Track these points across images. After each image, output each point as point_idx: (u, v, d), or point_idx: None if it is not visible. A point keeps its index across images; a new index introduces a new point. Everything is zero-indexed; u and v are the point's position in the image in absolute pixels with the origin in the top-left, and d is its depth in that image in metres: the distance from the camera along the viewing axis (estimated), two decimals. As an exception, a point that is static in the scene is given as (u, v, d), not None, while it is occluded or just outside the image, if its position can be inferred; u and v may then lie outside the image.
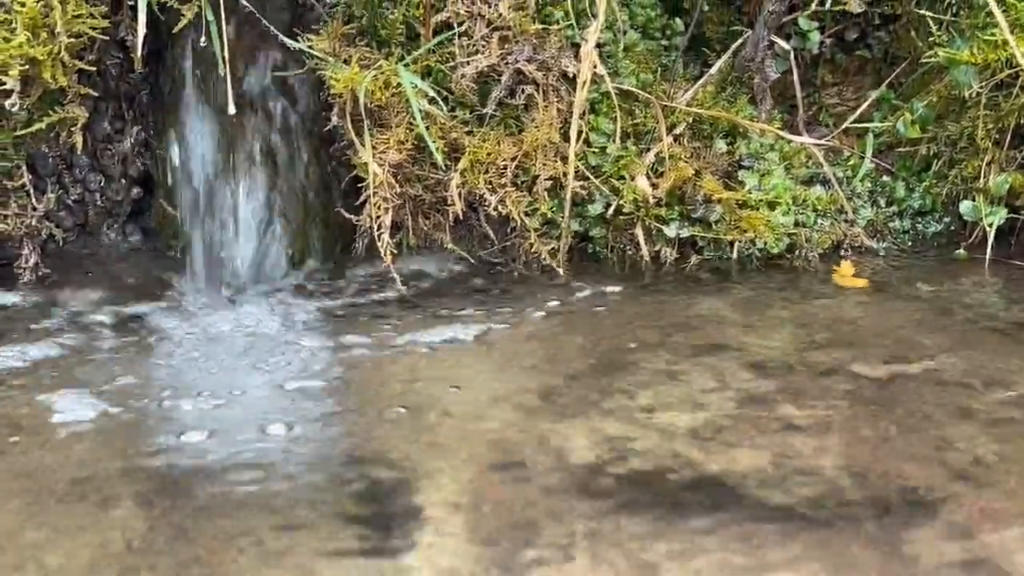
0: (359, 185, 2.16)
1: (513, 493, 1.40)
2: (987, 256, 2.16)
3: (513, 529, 1.32)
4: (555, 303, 2.05)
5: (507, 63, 2.13)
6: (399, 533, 1.30)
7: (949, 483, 1.40)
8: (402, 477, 1.44)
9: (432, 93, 2.08)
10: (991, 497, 1.37)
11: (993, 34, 2.09)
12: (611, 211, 2.15)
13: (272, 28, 2.10)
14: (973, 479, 1.41)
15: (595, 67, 2.07)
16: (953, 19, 2.23)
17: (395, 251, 2.11)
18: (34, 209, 2.15)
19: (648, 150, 2.16)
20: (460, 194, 2.12)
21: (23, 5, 1.89)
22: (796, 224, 2.19)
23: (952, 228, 2.30)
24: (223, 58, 1.98)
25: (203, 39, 1.98)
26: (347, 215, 2.18)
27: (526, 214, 2.15)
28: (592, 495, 1.40)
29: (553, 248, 2.16)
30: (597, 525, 1.33)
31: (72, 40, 1.96)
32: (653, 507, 1.37)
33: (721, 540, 1.30)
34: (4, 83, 1.92)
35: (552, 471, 1.46)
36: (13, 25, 1.90)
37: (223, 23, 1.99)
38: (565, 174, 2.11)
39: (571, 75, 2.15)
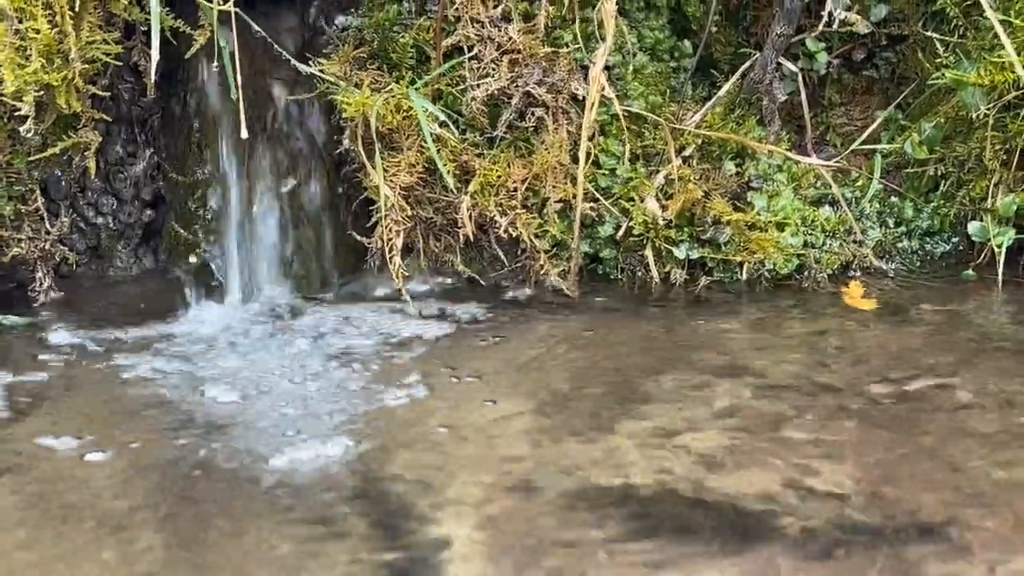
0: (370, 208, 2.18)
1: (525, 511, 1.41)
2: (996, 276, 2.16)
3: (523, 547, 1.33)
4: (565, 325, 2.06)
5: (517, 86, 2.14)
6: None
7: (961, 507, 1.40)
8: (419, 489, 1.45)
9: (443, 116, 2.10)
10: (1003, 521, 1.37)
11: (1000, 56, 2.10)
12: (621, 233, 2.16)
13: (284, 52, 2.12)
14: (985, 503, 1.41)
15: (603, 89, 2.08)
16: (960, 40, 2.24)
17: (406, 273, 2.12)
18: (48, 233, 2.16)
19: (657, 172, 2.17)
20: (471, 216, 2.13)
21: (38, 32, 1.90)
22: (805, 245, 2.19)
23: (960, 248, 2.31)
24: (235, 83, 1.99)
25: (215, 64, 2.00)
26: (358, 237, 2.20)
27: (536, 236, 2.16)
28: (602, 517, 1.41)
29: (563, 270, 2.17)
30: (607, 547, 1.34)
31: (86, 66, 1.97)
32: (665, 531, 1.38)
33: (734, 565, 1.30)
34: (19, 109, 1.93)
35: (563, 491, 1.46)
36: (28, 51, 1.91)
37: (236, 48, 2.00)
38: (575, 196, 2.12)
39: (580, 97, 2.16)
